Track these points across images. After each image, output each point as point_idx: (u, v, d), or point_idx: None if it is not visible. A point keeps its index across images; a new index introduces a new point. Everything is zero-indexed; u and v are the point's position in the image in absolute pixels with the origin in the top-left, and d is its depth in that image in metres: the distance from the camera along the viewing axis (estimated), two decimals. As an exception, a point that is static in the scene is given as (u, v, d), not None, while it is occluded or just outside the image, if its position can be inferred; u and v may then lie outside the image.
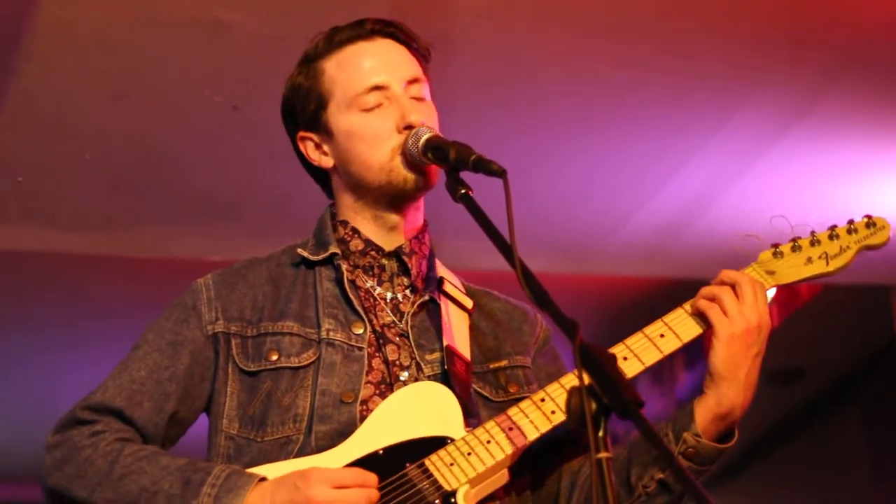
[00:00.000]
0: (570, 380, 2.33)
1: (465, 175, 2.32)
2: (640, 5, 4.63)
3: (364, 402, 2.35)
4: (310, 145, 2.54)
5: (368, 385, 2.37)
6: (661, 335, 2.36)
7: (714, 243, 6.13)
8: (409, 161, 2.42)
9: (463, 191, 2.29)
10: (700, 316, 2.36)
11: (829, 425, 7.65)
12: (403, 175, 2.43)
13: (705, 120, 5.33)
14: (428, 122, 2.44)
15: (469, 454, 2.26)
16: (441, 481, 2.23)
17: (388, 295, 2.47)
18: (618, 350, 2.34)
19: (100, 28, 4.50)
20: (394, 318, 2.45)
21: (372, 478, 2.20)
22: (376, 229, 2.49)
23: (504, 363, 2.51)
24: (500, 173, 2.22)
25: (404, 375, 2.39)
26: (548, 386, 2.34)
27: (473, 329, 2.51)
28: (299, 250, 2.51)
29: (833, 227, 2.44)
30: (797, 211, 6.23)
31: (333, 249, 2.47)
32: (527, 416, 2.29)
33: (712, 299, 2.35)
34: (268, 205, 5.60)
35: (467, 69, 4.75)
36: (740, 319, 2.31)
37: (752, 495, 7.87)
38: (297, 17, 4.44)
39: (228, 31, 4.54)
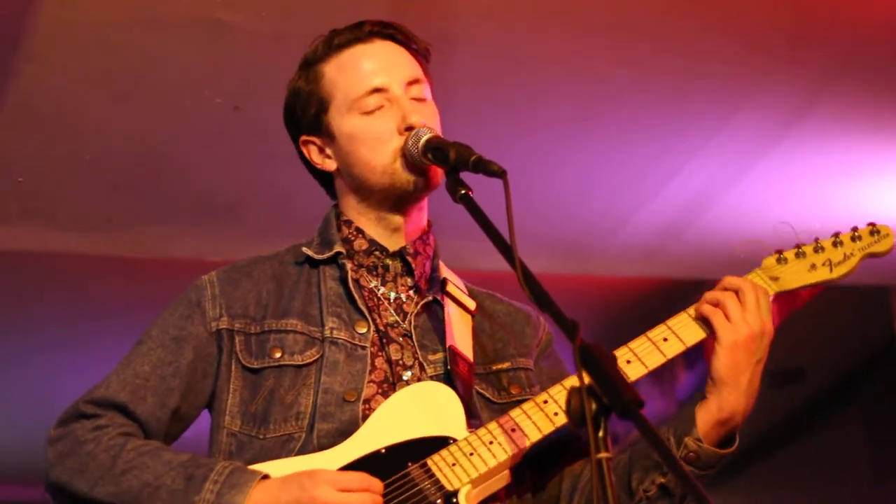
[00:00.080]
0: (573, 382, 2.33)
1: (465, 175, 2.32)
2: (640, 5, 4.63)
3: (366, 401, 2.35)
4: (313, 149, 2.55)
5: (371, 384, 2.37)
6: (665, 339, 2.37)
7: (714, 244, 6.13)
8: (410, 162, 2.42)
9: (463, 191, 2.29)
10: (703, 321, 2.37)
11: (830, 425, 7.65)
12: (405, 177, 2.43)
13: (706, 120, 5.33)
14: (429, 122, 2.44)
15: (471, 454, 2.26)
16: (443, 481, 2.24)
17: (392, 295, 2.48)
18: (621, 353, 2.34)
19: (100, 28, 4.50)
20: (397, 317, 2.46)
21: (377, 484, 2.20)
22: (380, 230, 2.50)
23: (506, 365, 2.51)
24: (500, 174, 2.22)
25: (407, 375, 2.40)
26: (551, 388, 2.35)
27: (476, 330, 2.52)
28: (304, 249, 2.51)
29: (837, 234, 2.45)
30: (798, 211, 6.27)
31: (338, 248, 2.48)
32: (529, 418, 2.30)
33: (716, 304, 2.35)
34: (268, 205, 5.60)
35: (467, 69, 4.75)
36: (743, 326, 2.31)
37: (752, 495, 7.87)
38: (298, 17, 4.44)
39: (229, 31, 4.54)
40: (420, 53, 2.56)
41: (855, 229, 2.45)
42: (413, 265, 2.49)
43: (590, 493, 2.38)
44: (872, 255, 2.43)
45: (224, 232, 5.75)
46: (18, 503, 8.98)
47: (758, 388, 2.34)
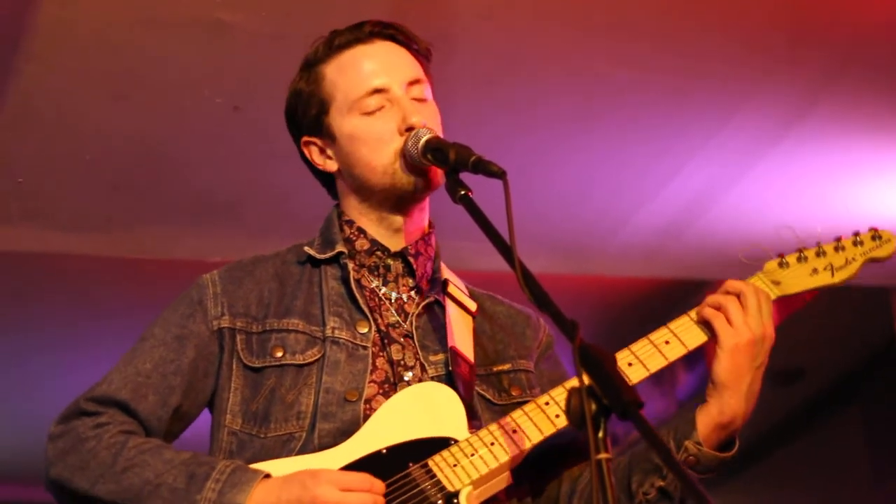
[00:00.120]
0: (575, 383, 2.33)
1: (465, 176, 2.32)
2: (640, 5, 4.63)
3: (368, 401, 2.35)
4: (314, 150, 2.55)
5: (372, 384, 2.38)
6: (667, 342, 2.37)
7: (714, 244, 6.13)
8: (410, 163, 2.42)
9: (462, 192, 2.29)
10: (705, 324, 2.37)
11: (830, 425, 7.65)
12: (405, 178, 2.43)
13: (706, 120, 5.33)
14: (430, 122, 2.44)
15: (472, 455, 2.26)
16: (444, 482, 2.24)
17: (393, 295, 2.48)
18: (623, 356, 2.35)
19: (100, 28, 4.50)
20: (398, 318, 2.46)
21: (379, 485, 2.20)
22: (382, 230, 2.50)
23: (507, 367, 2.52)
24: (500, 174, 2.22)
25: (408, 376, 2.40)
26: (552, 390, 2.35)
27: (477, 332, 2.52)
28: (306, 248, 2.51)
29: (839, 239, 2.46)
30: (798, 211, 6.27)
31: (340, 248, 2.48)
32: (531, 419, 2.30)
33: (718, 308, 2.35)
34: (268, 205, 5.60)
35: (467, 69, 4.75)
36: (745, 330, 2.32)
37: (752, 495, 7.87)
38: (298, 17, 4.44)
39: (229, 31, 4.54)
40: (421, 53, 2.56)
41: (857, 234, 2.46)
42: (414, 266, 2.49)
43: (589, 494, 2.38)
44: (874, 260, 2.45)
45: (224, 232, 5.75)
46: (18, 503, 8.98)
47: (758, 393, 2.34)
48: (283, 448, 2.32)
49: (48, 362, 7.04)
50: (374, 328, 2.42)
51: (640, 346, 2.36)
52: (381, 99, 2.46)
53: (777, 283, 2.43)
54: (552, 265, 6.10)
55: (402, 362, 2.41)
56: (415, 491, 2.23)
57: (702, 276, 6.58)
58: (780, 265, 2.44)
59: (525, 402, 2.38)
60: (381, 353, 2.41)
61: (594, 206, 5.89)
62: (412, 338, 2.44)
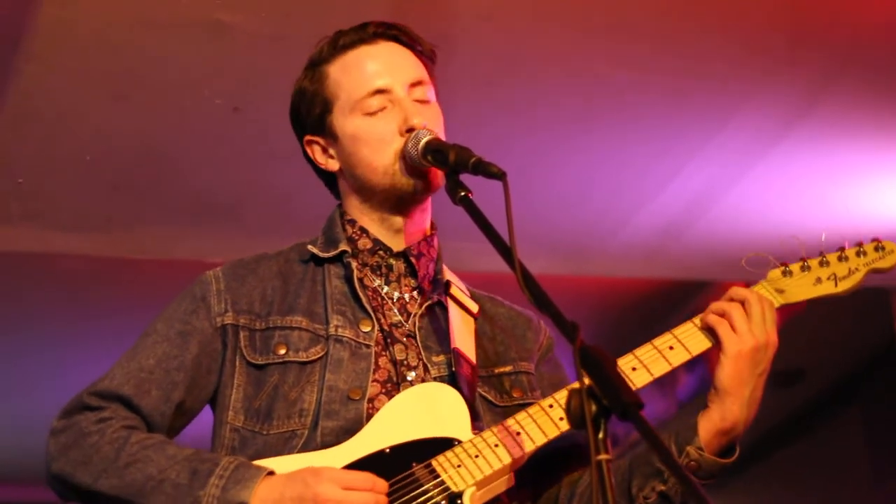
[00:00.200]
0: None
1: (465, 177, 2.32)
2: (640, 5, 4.63)
3: (371, 400, 2.36)
4: (316, 149, 2.55)
5: (375, 383, 2.38)
6: (671, 347, 2.38)
7: (714, 244, 6.13)
8: (410, 164, 2.42)
9: (462, 193, 2.29)
10: (709, 330, 2.39)
11: (830, 426, 7.64)
12: (404, 179, 2.44)
13: (706, 120, 5.33)
14: (431, 124, 2.45)
15: (476, 457, 2.27)
16: (448, 482, 2.24)
17: (395, 295, 2.49)
18: (627, 360, 2.36)
19: (100, 28, 4.49)
20: (401, 318, 2.46)
21: (382, 484, 2.21)
22: (383, 230, 2.51)
23: (509, 368, 2.52)
24: (500, 176, 2.23)
25: (411, 375, 2.40)
26: (556, 392, 2.36)
27: (478, 334, 2.53)
28: (309, 247, 2.52)
29: (842, 249, 2.49)
30: (798, 211, 6.26)
31: (343, 247, 2.49)
32: (535, 422, 2.31)
33: (722, 315, 2.37)
34: (268, 205, 5.60)
35: (467, 69, 4.75)
36: (749, 337, 2.33)
37: (753, 496, 7.86)
38: (297, 18, 4.44)
39: (228, 32, 4.54)
40: (425, 55, 2.56)
41: (860, 244, 2.49)
42: (416, 266, 2.50)
43: (589, 497, 2.39)
44: (877, 271, 2.48)
45: (224, 232, 5.75)
46: (18, 503, 8.99)
47: (760, 399, 2.35)
48: (285, 445, 2.32)
49: (47, 362, 7.04)
50: (376, 327, 2.43)
51: (645, 352, 2.38)
52: (383, 100, 2.46)
53: (781, 292, 2.45)
54: (552, 266, 6.10)
55: (405, 362, 2.42)
56: (418, 491, 2.23)
57: (702, 277, 6.58)
58: (784, 274, 2.47)
59: (526, 404, 2.39)
60: (383, 353, 2.42)
61: (594, 207, 5.89)
62: (415, 338, 2.45)
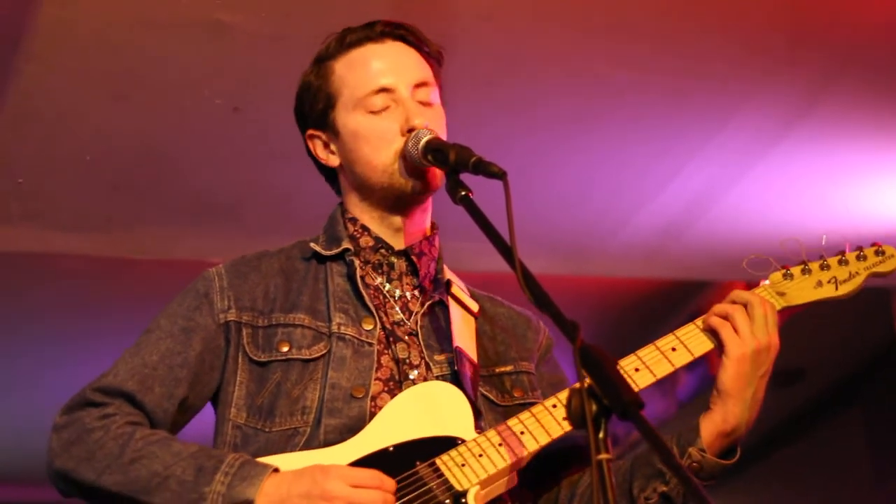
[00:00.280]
0: None
1: (465, 177, 2.32)
2: (640, 5, 4.63)
3: (373, 398, 2.36)
4: (318, 143, 2.56)
5: (377, 381, 2.38)
6: (673, 348, 2.40)
7: (715, 244, 6.13)
8: (410, 164, 2.43)
9: (463, 193, 2.30)
10: (711, 332, 2.40)
11: (831, 426, 7.65)
12: (403, 179, 2.45)
13: (706, 121, 5.33)
14: (433, 126, 2.45)
15: (480, 456, 2.27)
16: (452, 481, 2.24)
17: (397, 293, 2.49)
18: (630, 361, 2.37)
19: (100, 28, 4.49)
20: (403, 316, 2.47)
21: (390, 483, 2.20)
22: (384, 228, 2.51)
23: (509, 368, 2.53)
24: (500, 175, 2.23)
25: (414, 374, 2.41)
26: (559, 392, 2.37)
27: (479, 333, 2.53)
28: (311, 244, 2.52)
29: (842, 253, 2.51)
30: (798, 211, 6.25)
31: (346, 245, 2.49)
32: (539, 421, 2.32)
33: (724, 317, 2.38)
34: (268, 205, 5.60)
35: (467, 70, 4.75)
36: (751, 339, 2.34)
37: (753, 496, 7.87)
38: (297, 18, 4.44)
39: (228, 32, 4.54)
40: (432, 56, 2.56)
41: (860, 248, 2.51)
42: (418, 265, 2.50)
43: (589, 497, 2.40)
44: (877, 275, 2.50)
45: (224, 232, 5.75)
46: (18, 503, 8.99)
47: (761, 401, 2.37)
48: (287, 443, 2.32)
49: (47, 362, 7.04)
50: (379, 325, 2.43)
51: (647, 352, 2.39)
52: (386, 98, 2.47)
53: (782, 294, 2.47)
54: (552, 266, 6.10)
55: (407, 360, 2.42)
56: (423, 489, 2.24)
57: (702, 277, 6.58)
58: (785, 276, 2.49)
59: (527, 404, 2.40)
60: (385, 351, 2.42)
61: (594, 207, 5.89)
62: (417, 336, 2.45)
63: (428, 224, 2.55)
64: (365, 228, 2.51)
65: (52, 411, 2.42)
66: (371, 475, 2.19)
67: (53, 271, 6.09)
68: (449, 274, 2.57)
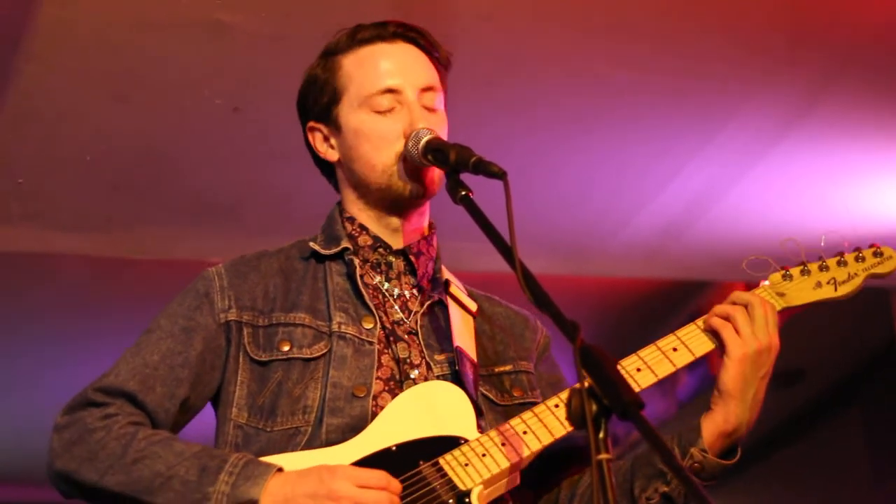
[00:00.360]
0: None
1: (466, 177, 2.32)
2: (640, 5, 4.63)
3: (374, 397, 2.36)
4: (318, 136, 2.56)
5: (378, 381, 2.38)
6: (674, 349, 2.41)
7: (715, 244, 6.13)
8: (410, 166, 2.43)
9: (463, 192, 2.30)
10: (712, 333, 2.41)
11: (830, 426, 7.65)
12: (402, 182, 2.45)
13: (705, 121, 5.33)
14: (435, 131, 2.45)
15: (484, 455, 2.27)
16: (456, 481, 2.25)
17: (396, 291, 2.49)
18: (632, 361, 2.38)
19: (100, 28, 4.49)
20: (402, 315, 2.47)
21: (396, 484, 2.20)
22: (381, 228, 2.52)
23: (508, 367, 2.53)
24: (501, 175, 2.23)
25: (414, 374, 2.41)
26: (561, 392, 2.37)
27: (478, 332, 2.54)
28: (310, 244, 2.52)
29: (841, 254, 2.53)
30: (798, 211, 6.25)
31: (345, 244, 2.49)
32: (541, 421, 2.32)
33: (725, 318, 2.39)
34: (268, 205, 5.60)
35: (467, 70, 4.73)
36: (752, 340, 2.35)
37: (753, 496, 7.86)
38: (297, 18, 4.44)
39: (228, 32, 4.53)
40: (440, 62, 2.56)
41: (858, 250, 2.52)
42: (416, 265, 2.50)
43: (589, 497, 2.40)
44: (875, 276, 2.51)
45: (224, 233, 5.75)
46: (18, 503, 8.99)
47: (762, 402, 2.37)
48: (288, 442, 2.32)
49: (47, 362, 7.04)
50: (378, 324, 2.43)
51: (649, 353, 2.40)
52: (392, 100, 2.47)
53: (782, 295, 2.48)
54: (552, 266, 6.10)
55: (407, 360, 2.42)
56: (426, 489, 2.24)
57: (702, 277, 6.58)
58: (784, 277, 2.50)
59: (526, 403, 2.41)
60: (385, 350, 2.42)
61: (594, 207, 5.89)
62: (417, 336, 2.45)
63: (425, 224, 2.55)
64: (363, 227, 2.51)
65: (52, 411, 2.41)
66: (378, 476, 2.19)
67: (53, 271, 6.09)
68: (447, 273, 2.57)
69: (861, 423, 7.45)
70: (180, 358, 2.39)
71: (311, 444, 2.31)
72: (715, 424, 2.34)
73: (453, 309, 2.49)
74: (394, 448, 2.28)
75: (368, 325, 2.42)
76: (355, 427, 2.31)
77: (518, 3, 4.59)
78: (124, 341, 2.51)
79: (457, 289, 2.55)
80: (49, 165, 5.23)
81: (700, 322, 2.43)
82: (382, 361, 2.40)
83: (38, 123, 4.98)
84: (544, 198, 5.71)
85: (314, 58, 2.59)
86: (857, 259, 2.51)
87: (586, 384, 1.84)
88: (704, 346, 2.41)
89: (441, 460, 2.27)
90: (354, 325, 2.41)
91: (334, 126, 2.52)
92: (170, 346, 2.39)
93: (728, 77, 5.04)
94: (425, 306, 2.49)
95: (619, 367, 2.17)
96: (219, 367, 2.42)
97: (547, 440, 2.31)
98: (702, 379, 7.12)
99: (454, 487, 2.24)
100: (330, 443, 2.30)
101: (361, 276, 2.47)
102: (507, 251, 2.16)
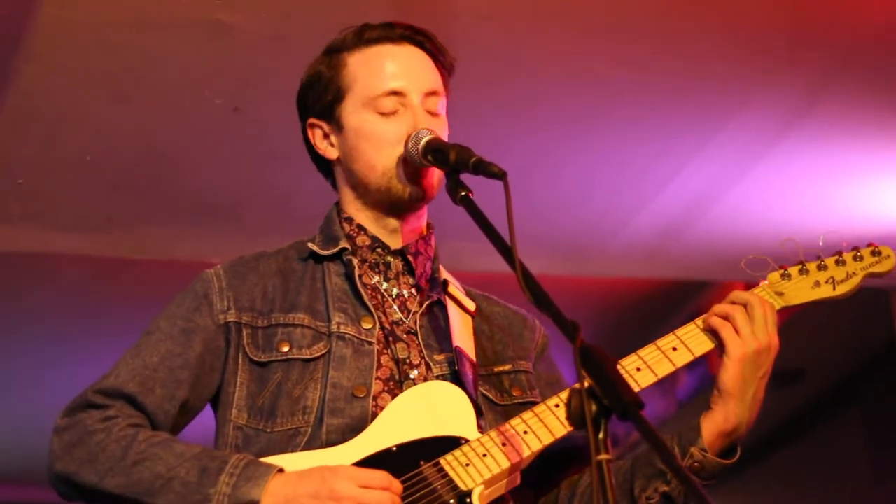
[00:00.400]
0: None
1: (466, 177, 2.32)
2: (640, 5, 4.63)
3: (374, 398, 2.36)
4: (318, 133, 2.55)
5: (378, 381, 2.38)
6: (674, 348, 2.41)
7: (715, 244, 6.13)
8: (410, 168, 2.43)
9: (463, 193, 2.30)
10: (712, 332, 2.41)
11: (830, 426, 7.64)
12: (401, 185, 2.45)
13: (705, 121, 5.33)
14: (435, 132, 2.45)
15: (485, 455, 2.28)
16: (457, 481, 2.25)
17: (395, 291, 2.49)
18: (631, 361, 2.38)
19: (100, 28, 4.49)
20: (401, 315, 2.47)
21: (398, 485, 2.20)
22: (379, 228, 2.52)
23: (507, 367, 2.53)
24: (501, 175, 2.23)
25: (414, 374, 2.41)
26: (561, 392, 2.37)
27: (477, 332, 2.54)
28: (309, 244, 2.52)
29: (839, 254, 2.53)
30: (798, 211, 6.26)
31: (343, 244, 2.49)
32: (542, 421, 2.33)
33: (725, 318, 2.39)
34: (268, 205, 5.60)
35: (467, 70, 4.72)
36: (752, 340, 2.36)
37: (753, 496, 7.86)
38: (297, 18, 4.44)
39: (228, 32, 4.53)
40: (445, 67, 2.57)
41: (856, 249, 2.53)
42: (414, 265, 2.50)
43: (589, 497, 2.40)
44: (873, 276, 2.52)
45: (224, 233, 5.75)
46: (18, 503, 8.99)
47: (762, 401, 2.38)
48: (288, 443, 2.32)
49: (47, 363, 7.04)
50: (377, 325, 2.43)
51: (648, 352, 2.40)
52: (396, 102, 2.47)
53: (780, 295, 2.49)
54: (552, 266, 6.10)
55: (407, 360, 2.42)
56: (427, 489, 2.24)
57: (702, 277, 6.58)
58: (783, 277, 2.51)
59: (525, 403, 2.42)
60: (385, 351, 2.42)
61: (594, 207, 5.89)
62: (416, 336, 2.46)
63: (423, 225, 2.55)
64: (361, 228, 2.51)
65: (52, 411, 2.41)
66: (380, 476, 2.19)
67: (53, 271, 6.09)
68: (445, 273, 2.57)
69: (861, 423, 7.45)
70: (180, 359, 2.38)
71: (311, 445, 2.30)
72: (715, 424, 2.35)
73: (452, 309, 2.49)
74: (394, 448, 2.29)
75: (367, 326, 2.42)
76: (355, 427, 2.31)
77: (518, 3, 4.59)
78: (124, 341, 2.51)
79: (455, 289, 2.55)
80: (49, 165, 5.23)
81: (699, 321, 2.43)
82: (382, 362, 2.40)
83: (38, 123, 4.98)
84: (544, 198, 5.71)
85: (314, 58, 2.58)
86: (855, 258, 2.52)
87: (586, 384, 1.84)
88: (704, 345, 2.41)
89: (442, 460, 2.27)
90: (353, 326, 2.41)
91: (336, 124, 2.52)
92: (169, 348, 2.39)
93: (728, 77, 5.04)
94: (424, 306, 2.49)
95: (618, 366, 2.17)
96: (218, 369, 2.42)
97: (548, 440, 2.31)
98: (701, 378, 7.12)
99: (455, 487, 2.24)
100: (330, 443, 2.30)
101: (360, 277, 2.46)
102: (506, 251, 2.17)
